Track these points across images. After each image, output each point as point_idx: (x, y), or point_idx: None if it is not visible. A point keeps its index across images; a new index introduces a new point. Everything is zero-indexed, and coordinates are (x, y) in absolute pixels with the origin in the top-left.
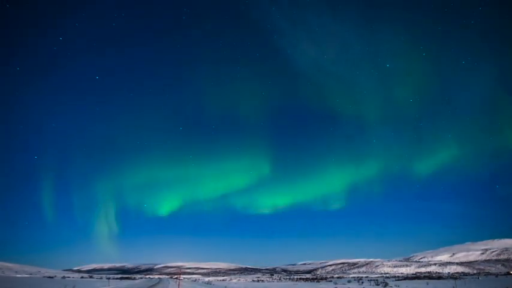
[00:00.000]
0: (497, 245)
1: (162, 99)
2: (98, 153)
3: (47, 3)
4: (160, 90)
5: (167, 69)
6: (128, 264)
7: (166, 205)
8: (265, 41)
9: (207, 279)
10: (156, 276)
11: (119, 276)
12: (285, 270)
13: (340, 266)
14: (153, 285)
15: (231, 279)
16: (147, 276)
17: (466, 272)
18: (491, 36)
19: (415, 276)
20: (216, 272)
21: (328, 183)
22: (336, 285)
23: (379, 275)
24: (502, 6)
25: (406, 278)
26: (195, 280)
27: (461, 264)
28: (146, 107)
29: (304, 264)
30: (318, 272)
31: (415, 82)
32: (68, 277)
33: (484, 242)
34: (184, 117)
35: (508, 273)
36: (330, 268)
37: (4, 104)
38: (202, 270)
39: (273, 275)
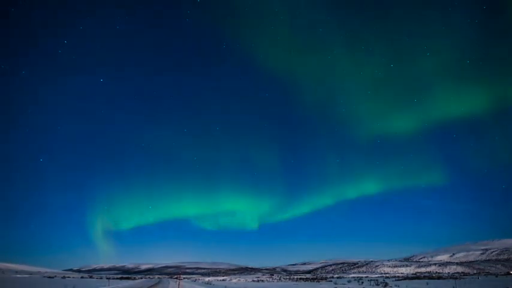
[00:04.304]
0: (497, 245)
1: (166, 101)
2: (102, 155)
3: (52, 6)
4: (164, 92)
5: (171, 71)
6: (128, 264)
7: (169, 208)
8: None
9: (207, 279)
10: (156, 276)
11: (119, 276)
12: (285, 270)
13: (340, 266)
14: (153, 285)
15: (231, 279)
16: (147, 276)
17: (466, 272)
18: (495, 36)
19: (415, 277)
20: (216, 272)
21: (330, 188)
22: (336, 285)
23: (379, 275)
24: (506, 6)
25: (406, 278)
26: (195, 280)
27: (461, 264)
28: (151, 109)
29: (304, 264)
30: (318, 272)
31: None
32: (68, 277)
33: (484, 242)
34: (189, 118)
35: (508, 273)
36: (330, 268)
37: (9, 107)
38: (202, 270)
39: (273, 275)
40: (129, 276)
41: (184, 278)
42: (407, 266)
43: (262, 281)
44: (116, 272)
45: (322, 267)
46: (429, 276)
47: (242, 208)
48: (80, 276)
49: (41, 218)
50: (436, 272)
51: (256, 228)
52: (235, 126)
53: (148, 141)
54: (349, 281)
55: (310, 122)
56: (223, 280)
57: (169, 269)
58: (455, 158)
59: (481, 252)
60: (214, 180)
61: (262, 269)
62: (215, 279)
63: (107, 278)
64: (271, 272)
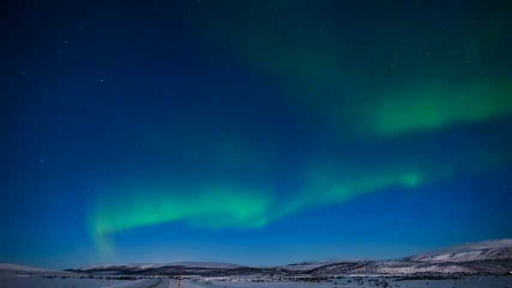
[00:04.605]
0: (497, 245)
1: (166, 101)
2: (102, 155)
3: (52, 7)
4: (164, 92)
5: (171, 71)
6: (128, 264)
7: (170, 208)
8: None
9: (207, 279)
10: (156, 276)
11: (119, 276)
12: (285, 270)
13: (340, 266)
14: (153, 285)
15: (231, 279)
16: (147, 276)
17: (466, 272)
18: (496, 36)
19: (415, 276)
20: (216, 272)
21: (330, 187)
22: (336, 285)
23: (379, 275)
24: (506, 6)
25: (406, 278)
26: (195, 280)
27: (461, 264)
28: (151, 109)
29: (304, 264)
30: (318, 272)
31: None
32: (68, 277)
33: (484, 242)
34: (189, 119)
35: (508, 273)
36: (330, 268)
37: (9, 107)
38: (202, 270)
39: (273, 275)
40: (129, 276)
41: (184, 278)
42: (407, 266)
43: (262, 281)
44: (115, 272)
45: (322, 267)
46: (429, 276)
47: (243, 207)
48: (80, 276)
49: (41, 218)
50: (436, 272)
51: (263, 225)
52: (235, 126)
53: (148, 141)
54: (349, 281)
55: (311, 122)
56: (223, 280)
57: (170, 269)
58: (456, 158)
59: (481, 252)
60: (214, 180)
61: (262, 269)
62: (215, 279)
63: (106, 278)
64: (271, 272)
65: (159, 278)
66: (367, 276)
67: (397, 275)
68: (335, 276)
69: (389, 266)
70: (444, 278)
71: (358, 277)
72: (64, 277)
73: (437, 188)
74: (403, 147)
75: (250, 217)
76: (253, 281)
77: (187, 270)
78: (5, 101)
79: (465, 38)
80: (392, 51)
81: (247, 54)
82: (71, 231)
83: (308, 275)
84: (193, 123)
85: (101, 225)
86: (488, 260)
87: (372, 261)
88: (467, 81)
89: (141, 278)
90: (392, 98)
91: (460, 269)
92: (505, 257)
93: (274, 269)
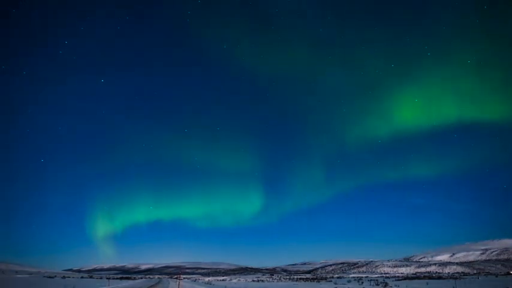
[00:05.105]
0: (497, 245)
1: (166, 101)
2: (102, 155)
3: (52, 7)
4: (164, 92)
5: (171, 71)
6: (128, 264)
7: (170, 208)
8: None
9: (207, 279)
10: (156, 276)
11: (119, 276)
12: (285, 270)
13: (340, 266)
14: (153, 285)
15: (231, 279)
16: (147, 276)
17: (466, 272)
18: (497, 35)
19: (415, 276)
20: (216, 272)
21: (330, 187)
22: (336, 285)
23: (379, 275)
24: (506, 6)
25: (406, 278)
26: (195, 280)
27: (461, 264)
28: (151, 109)
29: (304, 264)
30: (318, 272)
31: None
32: (68, 277)
33: (484, 242)
34: (189, 118)
35: (508, 273)
36: (330, 268)
37: (9, 107)
38: (202, 270)
39: (273, 275)
40: (129, 276)
41: (184, 278)
42: (407, 266)
43: (262, 281)
44: (116, 272)
45: (322, 267)
46: (429, 276)
47: (243, 207)
48: (80, 276)
49: (41, 218)
50: (436, 272)
51: (264, 225)
52: (235, 126)
53: (149, 141)
54: (349, 281)
55: (311, 122)
56: (223, 280)
57: (169, 269)
58: (456, 157)
59: (481, 252)
60: (214, 180)
61: (262, 269)
62: (215, 279)
63: (107, 278)
64: (271, 272)
65: (159, 278)
66: (367, 276)
67: (397, 275)
68: (335, 276)
69: (389, 266)
70: (444, 278)
71: (358, 277)
72: (64, 277)
73: (437, 188)
74: (403, 147)
75: (251, 217)
76: (253, 281)
77: (187, 270)
78: (5, 101)
79: (465, 38)
80: (392, 51)
81: (247, 55)
82: (71, 231)
83: (308, 275)
84: (193, 123)
85: (101, 225)
86: (488, 260)
87: (372, 261)
88: (467, 81)
89: (141, 278)
90: (392, 98)
91: (460, 269)
92: (505, 257)
93: (274, 269)
